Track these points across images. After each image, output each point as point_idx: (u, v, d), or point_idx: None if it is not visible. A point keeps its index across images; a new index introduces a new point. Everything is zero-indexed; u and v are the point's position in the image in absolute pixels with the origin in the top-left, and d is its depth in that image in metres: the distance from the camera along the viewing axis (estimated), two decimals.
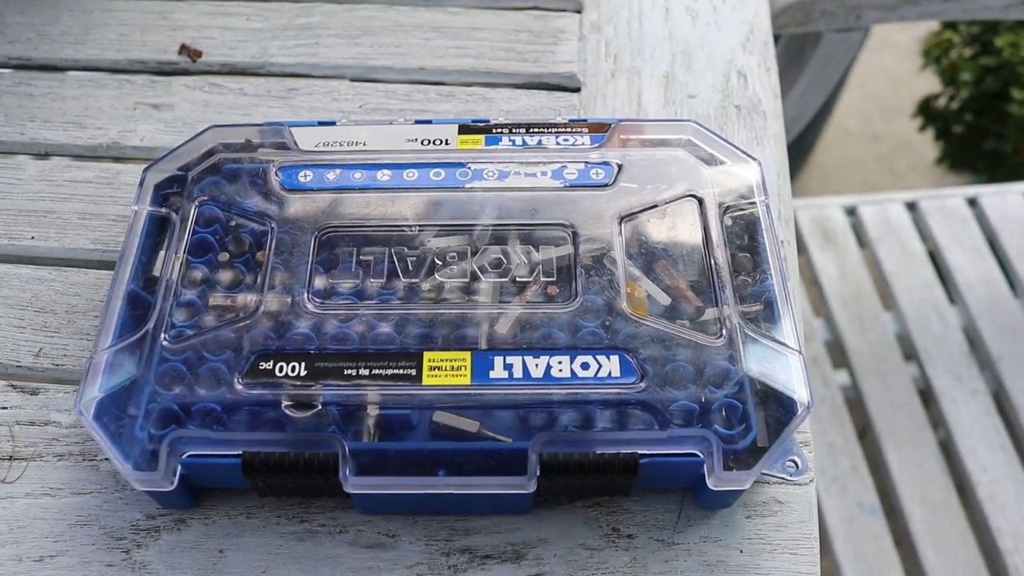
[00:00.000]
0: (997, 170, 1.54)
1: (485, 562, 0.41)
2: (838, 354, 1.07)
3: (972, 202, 1.15)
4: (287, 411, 0.39)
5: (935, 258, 1.12)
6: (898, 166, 1.93)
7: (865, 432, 1.01)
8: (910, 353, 1.06)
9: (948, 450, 0.99)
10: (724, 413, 0.39)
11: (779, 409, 0.39)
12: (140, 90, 0.59)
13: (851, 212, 1.16)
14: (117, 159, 0.57)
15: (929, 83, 1.77)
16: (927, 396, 1.03)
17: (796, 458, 0.39)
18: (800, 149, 1.75)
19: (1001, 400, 1.01)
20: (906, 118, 1.81)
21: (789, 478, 0.39)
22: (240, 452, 0.38)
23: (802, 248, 1.14)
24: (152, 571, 0.41)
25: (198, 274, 0.44)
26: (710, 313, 0.41)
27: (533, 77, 0.59)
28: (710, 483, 0.38)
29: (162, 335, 0.41)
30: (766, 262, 0.43)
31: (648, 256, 0.43)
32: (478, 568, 0.41)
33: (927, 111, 1.61)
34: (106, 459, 0.44)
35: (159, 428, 0.39)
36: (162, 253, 0.45)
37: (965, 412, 0.99)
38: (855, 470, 0.97)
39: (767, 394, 0.40)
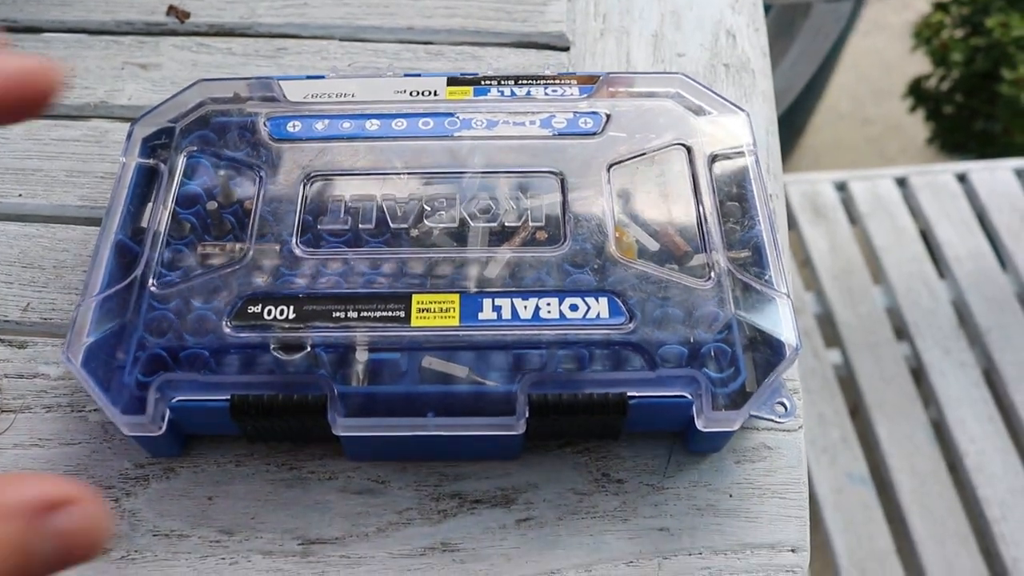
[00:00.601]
0: (987, 150, 1.55)
1: (475, 507, 0.41)
2: (829, 328, 1.08)
3: (962, 178, 1.16)
4: (276, 354, 0.39)
5: (925, 233, 1.13)
6: (889, 148, 1.94)
7: (857, 410, 1.01)
8: (900, 327, 1.06)
9: (937, 422, 1.00)
10: (713, 356, 0.39)
11: (768, 352, 0.40)
12: (128, 51, 0.59)
13: (841, 188, 1.17)
14: (105, 118, 0.56)
15: (920, 65, 1.77)
16: (917, 369, 1.03)
17: (785, 400, 0.39)
18: (792, 131, 1.76)
19: (989, 373, 1.02)
20: (897, 101, 1.81)
21: (778, 420, 0.39)
22: (228, 396, 0.38)
23: (793, 223, 1.15)
24: (141, 519, 0.41)
25: (187, 224, 0.44)
26: (699, 258, 0.42)
27: (522, 36, 0.58)
28: (699, 424, 0.38)
29: (150, 282, 0.41)
30: (754, 210, 0.43)
31: (636, 202, 0.43)
32: (468, 513, 0.41)
33: (918, 92, 1.61)
34: (95, 410, 0.44)
35: (147, 374, 0.39)
36: (150, 205, 0.45)
37: (954, 385, 1.00)
38: (845, 441, 0.98)
39: (756, 337, 0.40)
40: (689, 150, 0.45)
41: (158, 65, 0.58)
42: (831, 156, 1.93)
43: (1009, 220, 1.11)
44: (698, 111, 0.47)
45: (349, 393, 0.38)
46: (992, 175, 1.15)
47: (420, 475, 0.42)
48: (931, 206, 1.13)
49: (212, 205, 0.44)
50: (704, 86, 0.47)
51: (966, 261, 1.09)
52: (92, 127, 0.55)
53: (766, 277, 0.41)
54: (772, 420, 0.39)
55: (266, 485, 0.42)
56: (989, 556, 0.91)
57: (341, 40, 0.59)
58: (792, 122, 1.67)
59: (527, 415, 0.37)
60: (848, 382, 1.03)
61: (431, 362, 0.38)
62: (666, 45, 0.58)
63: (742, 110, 0.46)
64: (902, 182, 1.16)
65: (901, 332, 1.06)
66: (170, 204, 0.44)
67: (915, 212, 1.14)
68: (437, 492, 0.41)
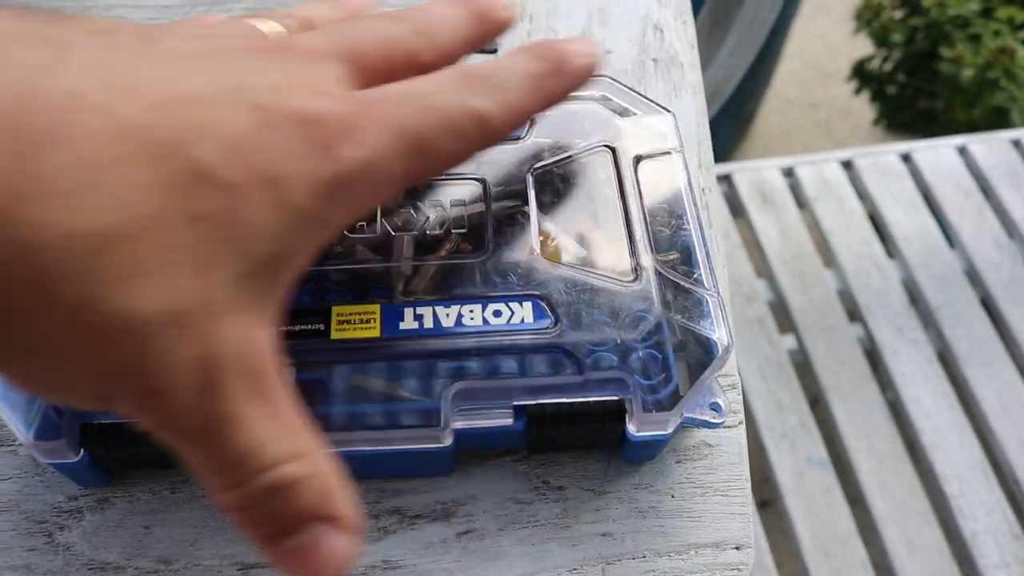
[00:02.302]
0: (932, 128, 1.57)
1: (415, 522, 0.41)
2: (782, 314, 1.08)
3: (906, 158, 1.17)
4: None
5: (872, 214, 1.14)
6: (838, 131, 1.96)
7: (817, 401, 1.02)
8: (852, 309, 1.07)
9: (893, 402, 1.01)
10: (644, 360, 0.39)
11: (700, 352, 0.39)
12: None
13: (788, 173, 1.18)
14: None
15: (864, 48, 1.79)
16: (871, 350, 1.04)
17: (719, 399, 0.39)
18: (741, 120, 1.77)
19: (942, 351, 1.03)
20: (844, 84, 1.83)
21: (712, 422, 0.39)
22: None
23: (741, 211, 1.15)
24: (76, 552, 0.40)
25: None
26: (625, 261, 0.41)
27: None
28: (631, 428, 0.38)
29: None
30: (681, 209, 0.43)
31: (561, 206, 0.43)
32: (408, 528, 0.40)
33: (861, 73, 1.63)
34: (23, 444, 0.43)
35: None
36: None
37: (908, 364, 1.01)
38: (803, 426, 0.99)
39: (687, 339, 0.40)
40: (614, 152, 0.44)
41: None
42: (781, 142, 1.95)
43: (954, 197, 1.12)
44: (623, 113, 0.46)
45: None
46: (936, 153, 1.16)
47: (358, 492, 0.41)
48: (877, 187, 1.14)
49: None
50: (629, 88, 0.47)
51: (914, 240, 1.10)
52: None
53: (695, 276, 0.41)
54: (706, 422, 0.39)
55: (203, 511, 0.41)
56: (949, 531, 0.93)
57: None
58: (741, 111, 1.68)
59: (452, 427, 0.37)
60: (804, 367, 1.04)
61: (357, 379, 0.38)
62: None
63: (667, 110, 0.46)
64: (848, 165, 1.17)
65: (854, 314, 1.07)
66: None
67: (862, 194, 1.15)
68: (376, 509, 0.41)
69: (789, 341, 1.07)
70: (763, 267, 1.12)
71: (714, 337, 0.39)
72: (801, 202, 1.16)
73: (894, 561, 0.89)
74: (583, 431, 0.39)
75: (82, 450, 0.37)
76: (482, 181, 0.43)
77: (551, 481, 0.41)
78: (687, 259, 0.42)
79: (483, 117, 0.29)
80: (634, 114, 0.46)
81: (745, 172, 1.18)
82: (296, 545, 0.26)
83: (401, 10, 0.33)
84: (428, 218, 0.42)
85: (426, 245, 0.41)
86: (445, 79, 0.30)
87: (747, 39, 0.86)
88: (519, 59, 0.32)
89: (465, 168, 0.44)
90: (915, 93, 1.57)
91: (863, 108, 1.88)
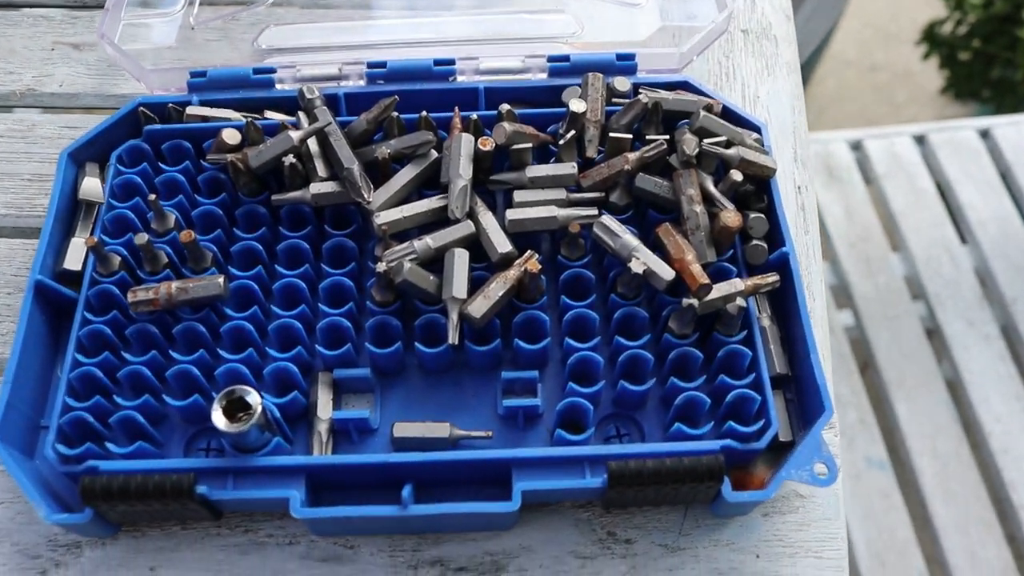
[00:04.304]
0: (1005, 99, 1.47)
1: (459, 575, 0.35)
2: (844, 299, 1.01)
3: (984, 134, 1.08)
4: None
5: (945, 195, 1.06)
6: (898, 97, 1.85)
7: (867, 367, 0.94)
8: (920, 296, 1.00)
9: (960, 400, 0.94)
10: (739, 407, 0.33)
11: (801, 400, 0.34)
12: (58, 27, 0.52)
13: (856, 147, 1.09)
14: (33, 108, 0.49)
15: (930, 8, 1.68)
16: (937, 343, 0.97)
17: (829, 452, 0.33)
18: None
19: (1015, 345, 0.96)
20: (906, 46, 1.73)
21: (821, 479, 0.33)
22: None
23: None
24: None
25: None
26: (719, 288, 0.35)
27: None
28: (728, 489, 0.32)
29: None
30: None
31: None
32: None
33: (932, 37, 1.52)
34: None
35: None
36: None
37: (977, 359, 0.94)
38: (863, 422, 0.92)
39: (785, 378, 0.34)
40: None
41: (93, 44, 0.51)
42: (837, 106, 1.84)
43: None
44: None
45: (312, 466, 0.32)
46: (1018, 130, 1.07)
47: (395, 537, 0.36)
48: (952, 165, 1.05)
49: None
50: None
51: (990, 225, 1.02)
52: (17, 120, 0.48)
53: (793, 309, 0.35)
54: (815, 479, 0.33)
55: (217, 552, 0.36)
56: (1015, 544, 0.86)
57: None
58: None
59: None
60: (866, 359, 0.97)
61: (403, 428, 0.33)
62: (674, 5, 0.50)
63: (756, 128, 0.40)
64: (920, 140, 1.08)
65: (920, 301, 1.00)
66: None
67: (935, 172, 1.07)
68: (415, 558, 0.35)
69: (850, 328, 1.00)
70: (826, 248, 1.05)
71: (819, 379, 0.34)
72: (869, 178, 1.08)
73: (954, 574, 0.83)
74: (671, 491, 0.33)
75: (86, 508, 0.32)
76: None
77: (618, 533, 0.36)
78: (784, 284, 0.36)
79: None
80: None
81: (810, 144, 1.09)
82: None
83: None
84: None
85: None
86: None
87: (826, 4, 0.78)
88: None
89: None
90: (990, 60, 1.47)
91: (926, 73, 1.77)
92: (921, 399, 0.93)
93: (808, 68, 1.67)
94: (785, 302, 0.38)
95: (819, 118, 1.84)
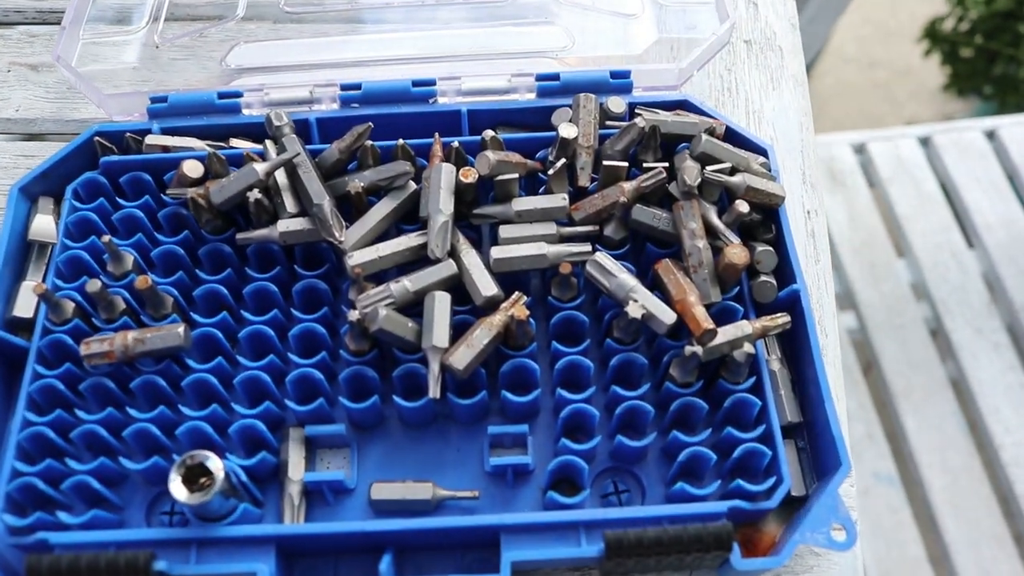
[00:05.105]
0: (1008, 96, 1.43)
1: None
2: (849, 308, 0.98)
3: (990, 135, 1.05)
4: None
5: (951, 198, 1.03)
6: (898, 93, 1.82)
7: (870, 368, 0.91)
8: (925, 302, 0.97)
9: (969, 411, 0.91)
10: (747, 462, 0.30)
11: (815, 450, 0.30)
12: (15, 47, 0.49)
13: (860, 150, 1.06)
14: None
15: (930, 5, 1.65)
16: (945, 351, 0.94)
17: (846, 512, 0.30)
18: None
19: None
20: (906, 42, 1.69)
21: (839, 543, 0.30)
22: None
23: None
24: None
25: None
26: (725, 331, 0.32)
27: None
28: (737, 556, 0.29)
29: None
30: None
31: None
32: None
33: (933, 34, 1.49)
34: None
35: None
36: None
37: (987, 368, 0.91)
38: (870, 437, 0.89)
39: (798, 431, 0.31)
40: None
41: (51, 65, 0.48)
42: (837, 102, 1.81)
43: None
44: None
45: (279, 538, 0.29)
46: None
47: None
48: (957, 168, 1.02)
49: None
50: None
51: (997, 229, 0.98)
52: None
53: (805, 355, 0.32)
54: (833, 543, 0.30)
55: None
56: None
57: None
58: None
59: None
60: (873, 369, 0.94)
61: (381, 490, 0.30)
62: (672, 16, 0.47)
63: (763, 151, 0.37)
64: (925, 142, 1.05)
65: (926, 305, 0.97)
66: None
67: (940, 174, 1.04)
68: None
69: (855, 337, 0.97)
70: (830, 254, 1.02)
71: (834, 431, 0.31)
72: (873, 182, 1.05)
73: None
74: (675, 560, 0.30)
75: None
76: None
77: None
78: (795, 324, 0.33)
79: None
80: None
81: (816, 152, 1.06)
82: None
83: None
84: None
85: None
86: None
87: (830, 5, 0.75)
88: None
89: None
90: (992, 57, 1.44)
91: (927, 70, 1.74)
92: (929, 410, 0.90)
93: (807, 65, 1.64)
94: (796, 343, 0.35)
95: (819, 115, 1.81)
